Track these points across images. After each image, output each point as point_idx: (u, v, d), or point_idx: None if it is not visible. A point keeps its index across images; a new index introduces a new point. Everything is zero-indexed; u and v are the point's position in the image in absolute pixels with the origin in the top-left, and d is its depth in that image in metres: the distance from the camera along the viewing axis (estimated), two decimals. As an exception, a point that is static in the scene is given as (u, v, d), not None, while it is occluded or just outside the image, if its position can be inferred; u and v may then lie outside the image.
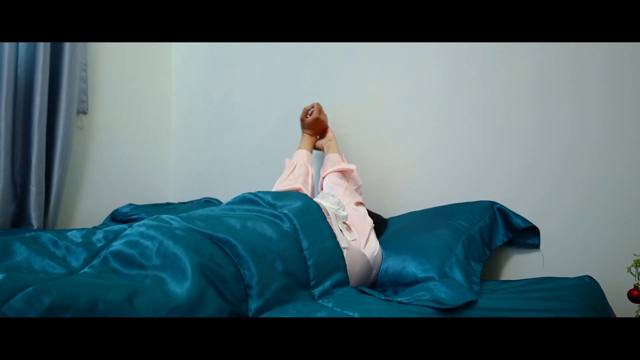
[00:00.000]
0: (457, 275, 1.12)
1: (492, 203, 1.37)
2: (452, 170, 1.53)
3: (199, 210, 1.15)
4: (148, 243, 0.86)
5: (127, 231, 0.92)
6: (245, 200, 1.20)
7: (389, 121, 1.68)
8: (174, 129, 2.47)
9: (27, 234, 0.88)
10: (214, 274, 0.82)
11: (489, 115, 1.46)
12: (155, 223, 0.94)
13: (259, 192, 1.23)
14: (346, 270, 1.08)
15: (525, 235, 1.36)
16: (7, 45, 1.79)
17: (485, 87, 1.48)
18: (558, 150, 1.34)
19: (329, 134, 1.68)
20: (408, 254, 1.20)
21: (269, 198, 1.18)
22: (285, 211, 1.09)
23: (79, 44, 1.99)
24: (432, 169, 1.57)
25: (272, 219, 1.06)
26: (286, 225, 1.05)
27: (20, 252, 0.80)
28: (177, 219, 0.98)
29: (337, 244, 1.09)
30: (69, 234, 0.92)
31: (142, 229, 0.91)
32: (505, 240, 1.32)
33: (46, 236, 0.89)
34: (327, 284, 1.00)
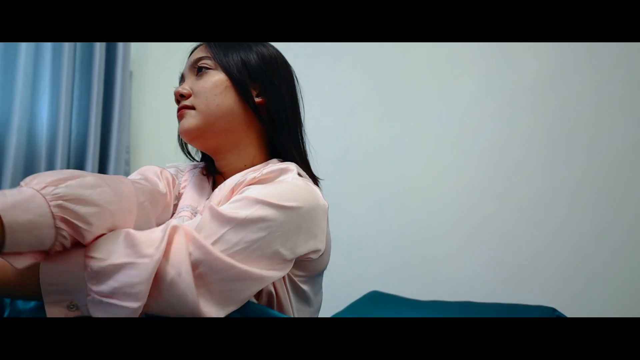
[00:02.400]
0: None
1: (553, 310, 1.41)
2: (499, 264, 1.58)
3: None
4: None
5: None
6: None
7: (434, 211, 1.73)
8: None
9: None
10: None
11: (540, 211, 1.52)
12: None
13: None
14: None
15: None
16: (61, 134, 1.85)
17: (536, 181, 1.53)
18: (618, 252, 1.38)
19: None
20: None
21: None
22: None
23: (125, 128, 2.07)
24: (477, 261, 1.62)
25: None
26: None
27: None
28: None
29: None
30: None
31: None
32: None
33: None
34: None
